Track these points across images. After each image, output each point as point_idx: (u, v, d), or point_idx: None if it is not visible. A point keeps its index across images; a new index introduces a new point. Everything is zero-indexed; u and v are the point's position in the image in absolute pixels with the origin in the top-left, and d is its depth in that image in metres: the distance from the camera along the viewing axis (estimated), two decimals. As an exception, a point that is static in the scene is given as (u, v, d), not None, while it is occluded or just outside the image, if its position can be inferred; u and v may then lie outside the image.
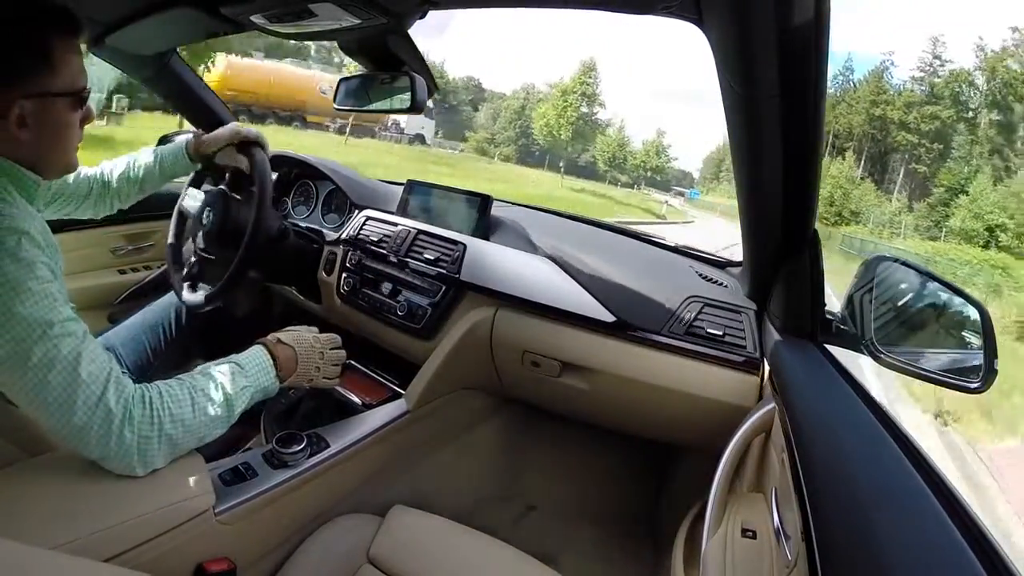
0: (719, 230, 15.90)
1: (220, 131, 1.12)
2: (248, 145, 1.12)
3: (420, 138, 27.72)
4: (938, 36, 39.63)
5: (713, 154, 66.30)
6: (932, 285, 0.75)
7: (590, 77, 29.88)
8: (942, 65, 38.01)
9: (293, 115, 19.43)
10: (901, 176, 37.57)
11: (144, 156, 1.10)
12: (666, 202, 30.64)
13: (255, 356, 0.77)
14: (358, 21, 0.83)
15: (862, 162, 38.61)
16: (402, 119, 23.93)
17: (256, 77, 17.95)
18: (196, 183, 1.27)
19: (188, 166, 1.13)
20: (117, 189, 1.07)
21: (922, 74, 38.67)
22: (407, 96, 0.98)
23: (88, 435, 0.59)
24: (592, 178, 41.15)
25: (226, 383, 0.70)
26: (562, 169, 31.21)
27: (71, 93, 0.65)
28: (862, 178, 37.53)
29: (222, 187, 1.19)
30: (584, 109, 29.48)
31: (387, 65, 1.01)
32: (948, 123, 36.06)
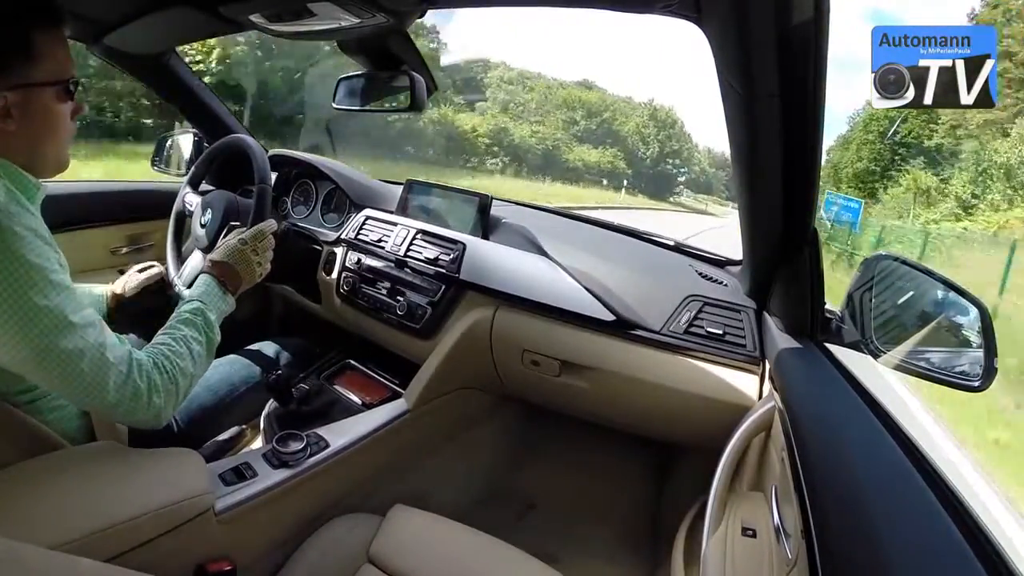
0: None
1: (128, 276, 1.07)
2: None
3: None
4: None
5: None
6: (932, 283, 0.75)
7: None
8: None
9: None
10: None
11: None
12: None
13: (207, 288, 0.82)
14: (357, 20, 0.83)
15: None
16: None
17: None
18: (194, 182, 1.27)
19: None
20: None
21: None
22: (406, 95, 0.98)
23: (121, 408, 0.65)
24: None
25: (202, 323, 0.77)
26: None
27: (56, 83, 0.64)
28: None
29: (220, 187, 1.19)
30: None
31: (386, 64, 1.01)
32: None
